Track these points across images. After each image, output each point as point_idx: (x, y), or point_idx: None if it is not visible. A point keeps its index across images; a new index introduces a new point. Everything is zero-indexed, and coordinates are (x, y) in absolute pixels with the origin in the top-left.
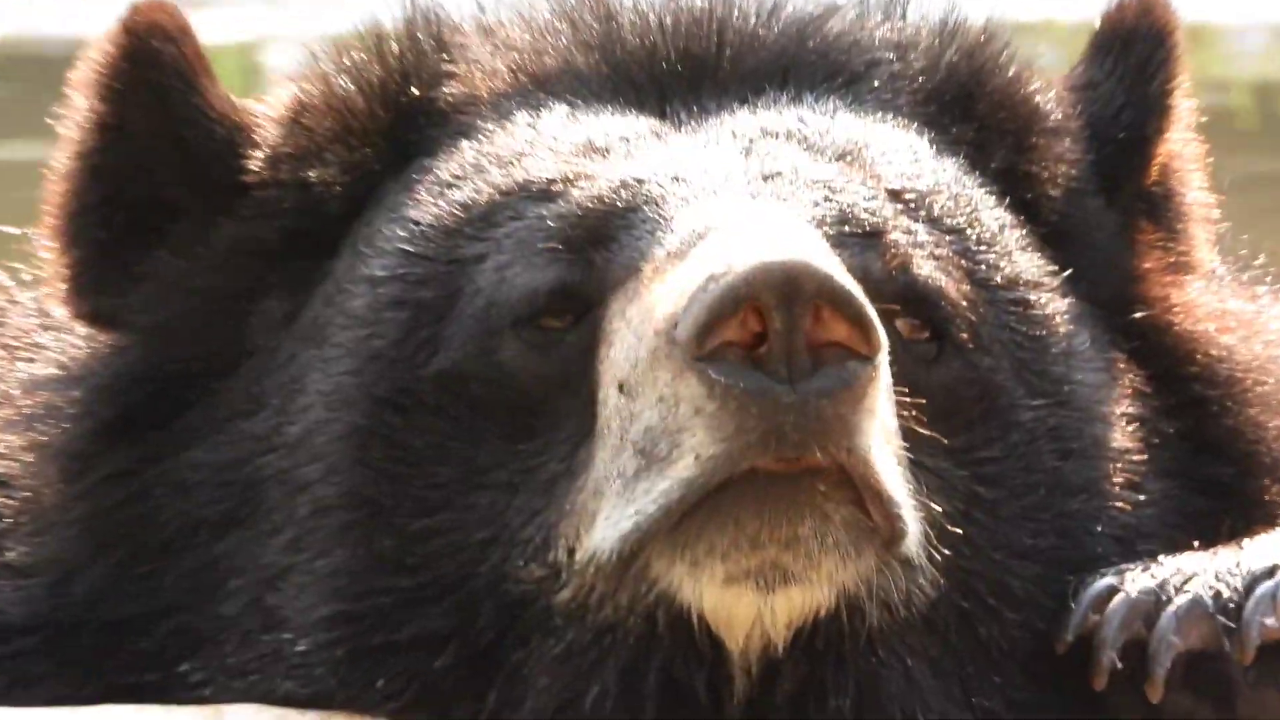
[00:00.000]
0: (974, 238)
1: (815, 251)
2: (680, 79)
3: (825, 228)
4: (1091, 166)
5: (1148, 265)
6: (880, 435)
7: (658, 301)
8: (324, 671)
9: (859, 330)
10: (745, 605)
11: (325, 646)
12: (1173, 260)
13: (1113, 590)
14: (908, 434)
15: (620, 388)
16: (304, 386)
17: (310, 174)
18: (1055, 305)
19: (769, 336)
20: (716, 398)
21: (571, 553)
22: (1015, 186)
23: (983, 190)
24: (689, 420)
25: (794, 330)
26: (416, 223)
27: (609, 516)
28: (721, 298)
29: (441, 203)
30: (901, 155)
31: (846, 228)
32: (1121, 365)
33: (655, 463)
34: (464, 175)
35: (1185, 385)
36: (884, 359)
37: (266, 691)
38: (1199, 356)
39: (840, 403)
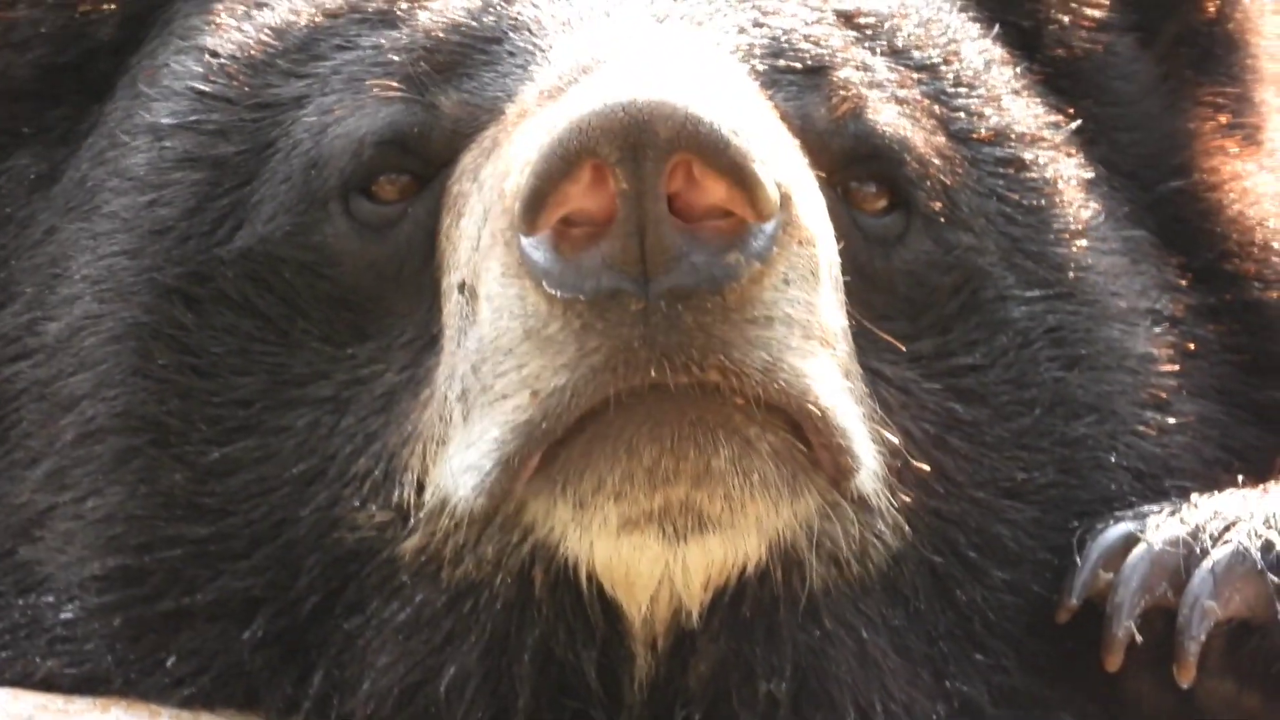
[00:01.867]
0: (951, 76)
1: (693, 86)
2: None
3: (752, 61)
4: None
5: (1192, 126)
6: (811, 338)
7: (516, 158)
8: (96, 646)
9: (741, 188)
10: (648, 559)
11: (97, 614)
12: (1226, 124)
13: (1131, 540)
14: (860, 336)
15: (461, 278)
16: (66, 271)
17: None
18: (1060, 167)
19: (615, 200)
20: (556, 316)
21: (420, 489)
22: (1009, 10)
23: (964, 15)
24: (517, 343)
25: (645, 190)
26: (214, 53)
27: (455, 454)
28: (550, 154)
29: (248, 26)
30: None
31: (780, 61)
32: (1148, 249)
33: (484, 394)
34: None
35: (1234, 282)
36: (818, 234)
37: (22, 673)
38: (1253, 247)
39: (706, 310)
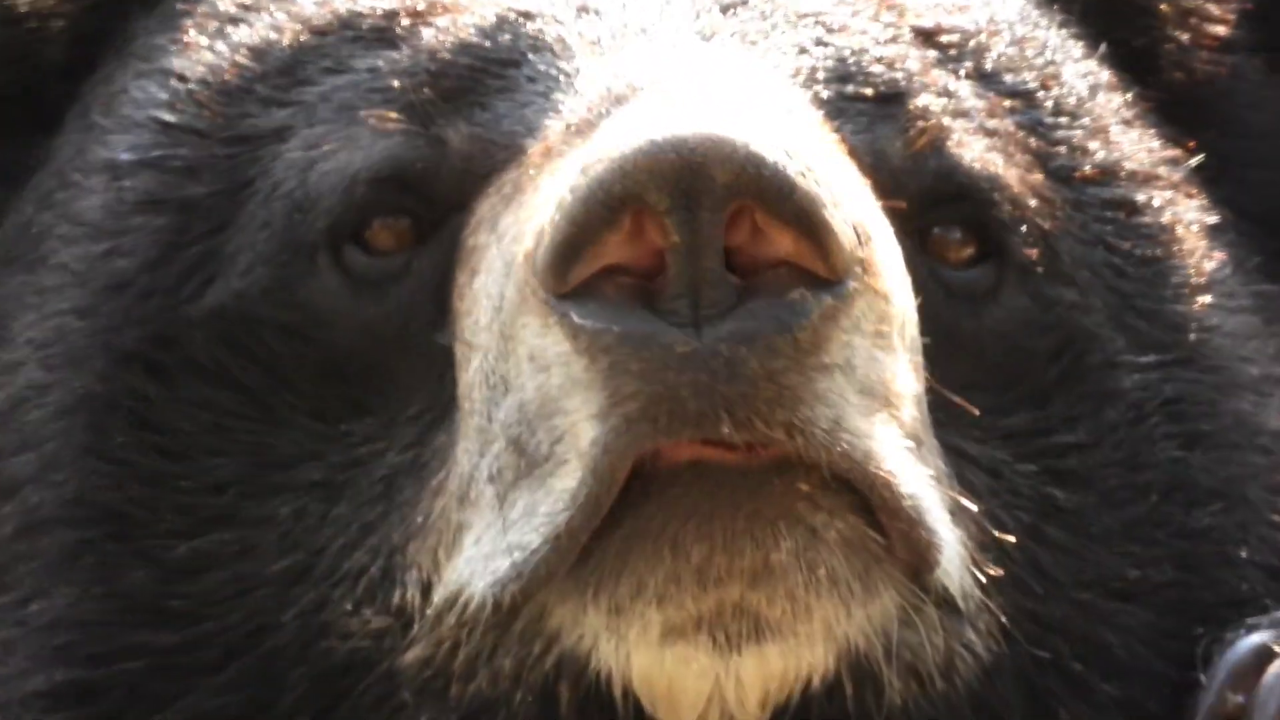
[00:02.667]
0: (1050, 104)
1: (752, 121)
2: None
3: (815, 87)
4: (1246, 13)
5: None
6: (877, 399)
7: (541, 206)
8: None
9: (810, 240)
10: (696, 672)
11: None
12: None
13: (1266, 654)
14: (941, 408)
15: (486, 341)
16: (7, 332)
17: None
18: (1178, 210)
19: (666, 258)
20: (583, 354)
21: (427, 591)
22: (1118, 27)
23: (1065, 32)
24: (564, 395)
25: (701, 244)
26: (181, 78)
27: (480, 541)
28: (586, 202)
29: (221, 47)
30: None
31: (848, 86)
32: None
33: (535, 465)
34: (256, 2)
35: None
36: (892, 284)
37: None
38: None
39: (772, 354)
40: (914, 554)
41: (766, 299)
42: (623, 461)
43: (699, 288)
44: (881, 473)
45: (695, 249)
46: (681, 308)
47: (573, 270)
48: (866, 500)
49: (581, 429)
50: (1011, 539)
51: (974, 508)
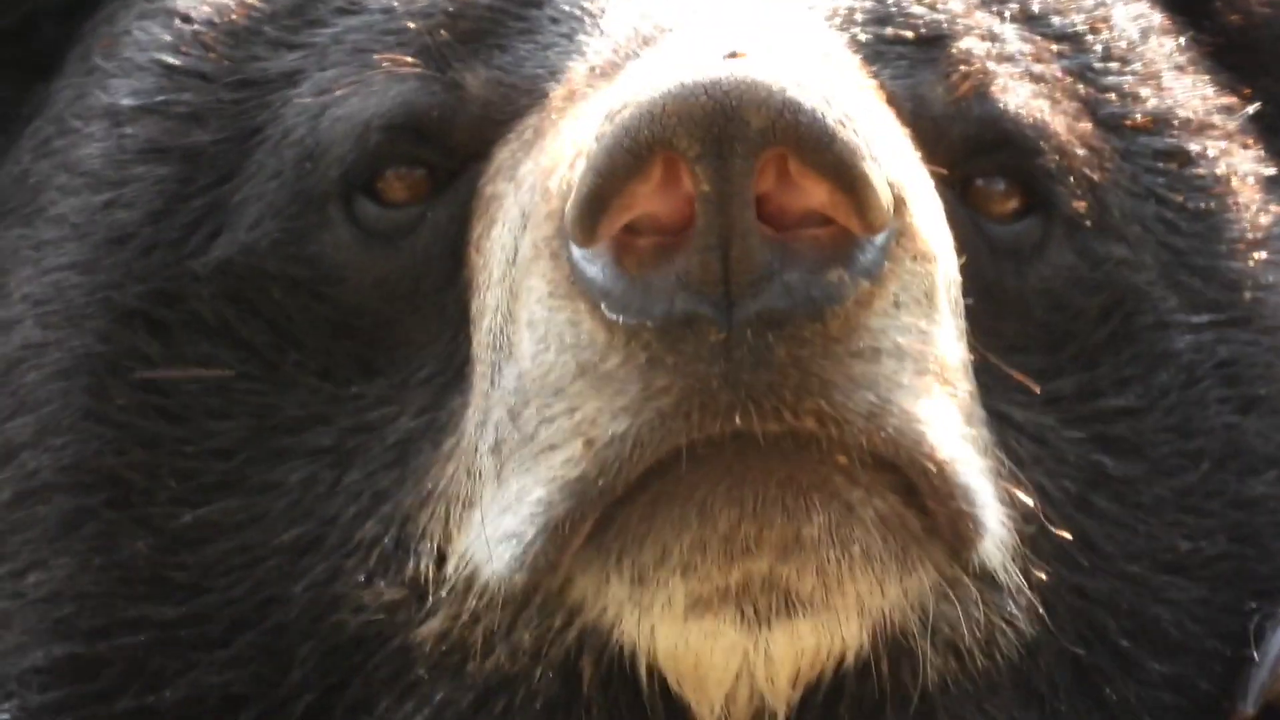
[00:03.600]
0: (1099, 48)
1: (790, 64)
2: None
3: (852, 29)
4: None
5: None
6: (925, 374)
7: (562, 152)
8: None
9: (848, 193)
10: (723, 647)
11: (41, 715)
12: None
13: None
14: (985, 372)
15: (496, 299)
16: (4, 290)
17: None
18: (1234, 161)
19: (695, 207)
20: (617, 347)
21: (441, 561)
22: None
23: None
24: (568, 379)
25: (733, 193)
26: (186, 18)
27: (486, 517)
28: (614, 146)
29: None
30: None
31: (887, 29)
32: None
33: (524, 442)
34: None
35: None
36: (938, 245)
37: None
38: None
39: (799, 343)
40: (956, 535)
41: (801, 272)
42: (651, 456)
43: (730, 240)
44: (931, 459)
45: (726, 198)
46: (711, 262)
47: (601, 224)
48: (908, 478)
49: (597, 419)
50: (1066, 535)
51: (1029, 502)
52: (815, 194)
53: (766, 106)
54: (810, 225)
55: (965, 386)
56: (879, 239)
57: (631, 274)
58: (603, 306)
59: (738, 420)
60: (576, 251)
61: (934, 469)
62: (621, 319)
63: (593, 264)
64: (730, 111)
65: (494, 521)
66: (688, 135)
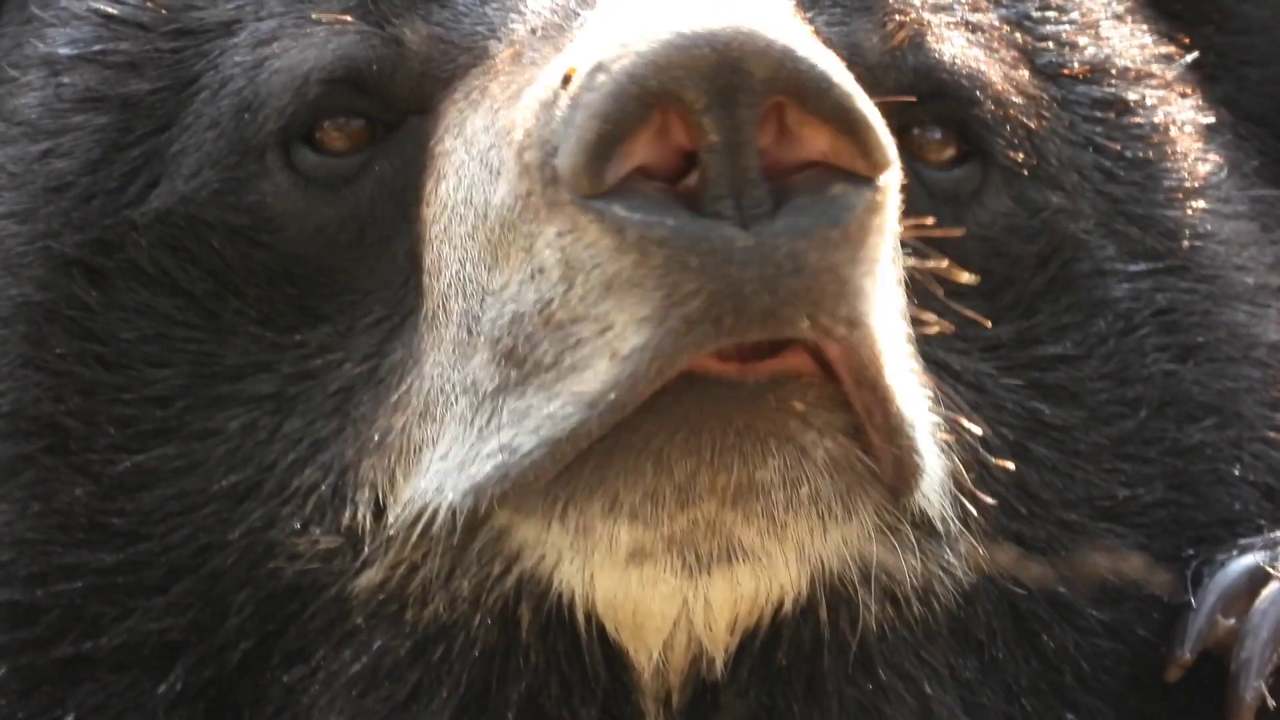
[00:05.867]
0: None
1: (769, 14)
2: None
3: None
4: None
5: None
6: (888, 305)
7: (522, 111)
8: None
9: (850, 136)
10: (663, 595)
11: None
12: None
13: (1259, 576)
14: (924, 318)
15: (464, 250)
16: None
17: None
18: (1172, 110)
19: (701, 156)
20: (631, 250)
21: (380, 510)
22: None
23: None
24: (595, 301)
25: (741, 143)
26: None
27: (447, 454)
28: (618, 97)
29: None
30: None
31: None
32: None
33: (537, 373)
34: None
35: None
36: (892, 184)
37: None
38: None
39: (831, 246)
40: (898, 476)
41: (808, 196)
42: (673, 367)
43: (741, 187)
44: (892, 388)
45: (735, 147)
46: (726, 208)
47: (608, 170)
48: (857, 419)
49: (625, 333)
50: (1007, 464)
51: (977, 430)
52: (815, 142)
53: (768, 56)
54: (805, 174)
55: (906, 331)
56: (881, 179)
57: (649, 194)
58: (614, 209)
59: (799, 325)
60: (579, 198)
61: (889, 400)
62: (638, 216)
63: (596, 202)
64: (734, 63)
65: (465, 450)
66: (695, 87)
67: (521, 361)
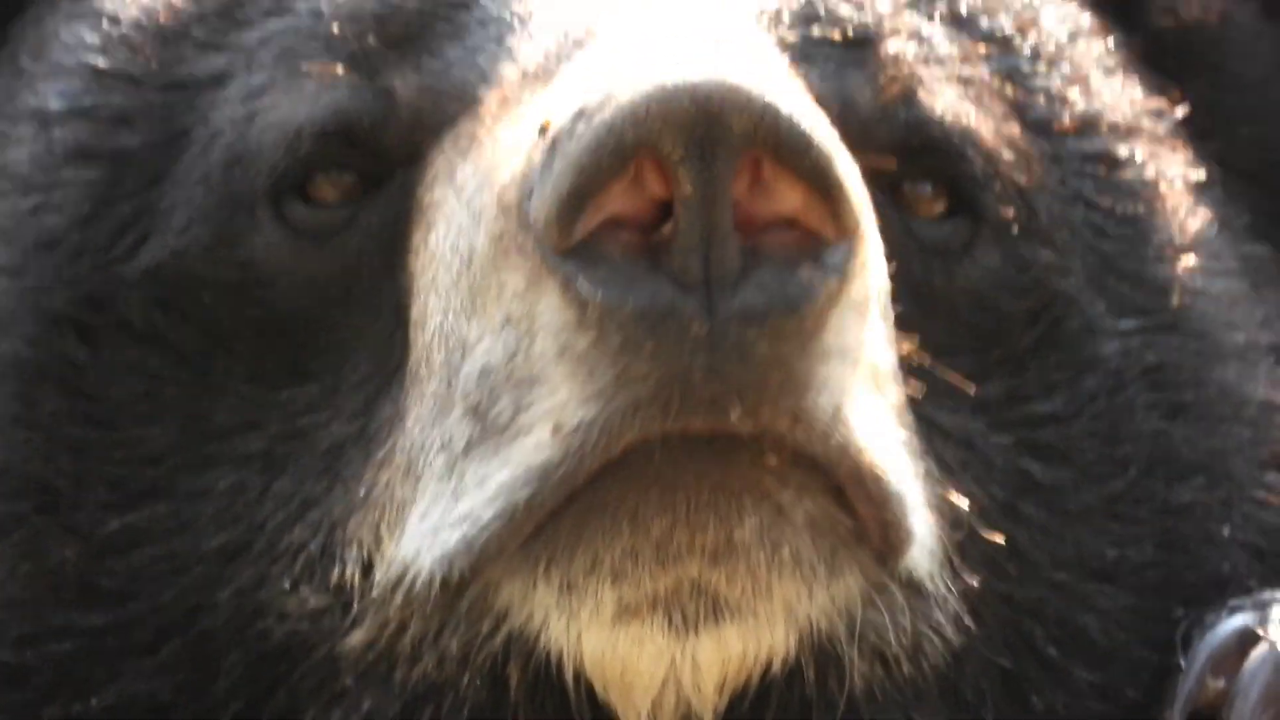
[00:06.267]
0: (1027, 50)
1: (756, 68)
2: None
3: (779, 29)
4: None
5: None
6: (865, 380)
7: (505, 156)
8: None
9: (823, 197)
10: (650, 654)
11: None
12: None
13: (1249, 637)
14: (914, 376)
15: (447, 300)
16: None
17: None
18: (1163, 165)
19: (675, 209)
20: (589, 325)
21: (368, 569)
22: None
23: None
24: (546, 365)
25: (715, 196)
26: (114, 20)
27: (426, 515)
28: (595, 150)
29: None
30: None
31: (814, 29)
32: (1273, 270)
33: (495, 433)
34: None
35: None
36: (869, 249)
37: None
38: None
39: (781, 337)
40: (886, 542)
41: (773, 272)
42: (618, 443)
43: (711, 242)
44: (870, 466)
45: (709, 200)
46: (692, 264)
47: (578, 222)
48: (836, 480)
49: (568, 404)
50: (997, 537)
51: (964, 505)
52: (788, 199)
53: (748, 111)
54: (776, 230)
55: (895, 391)
56: (845, 244)
57: (614, 260)
58: (577, 284)
59: (732, 416)
60: (552, 257)
61: (870, 476)
62: (600, 296)
63: (564, 256)
64: (713, 116)
65: (436, 514)
66: (672, 138)
67: (484, 418)
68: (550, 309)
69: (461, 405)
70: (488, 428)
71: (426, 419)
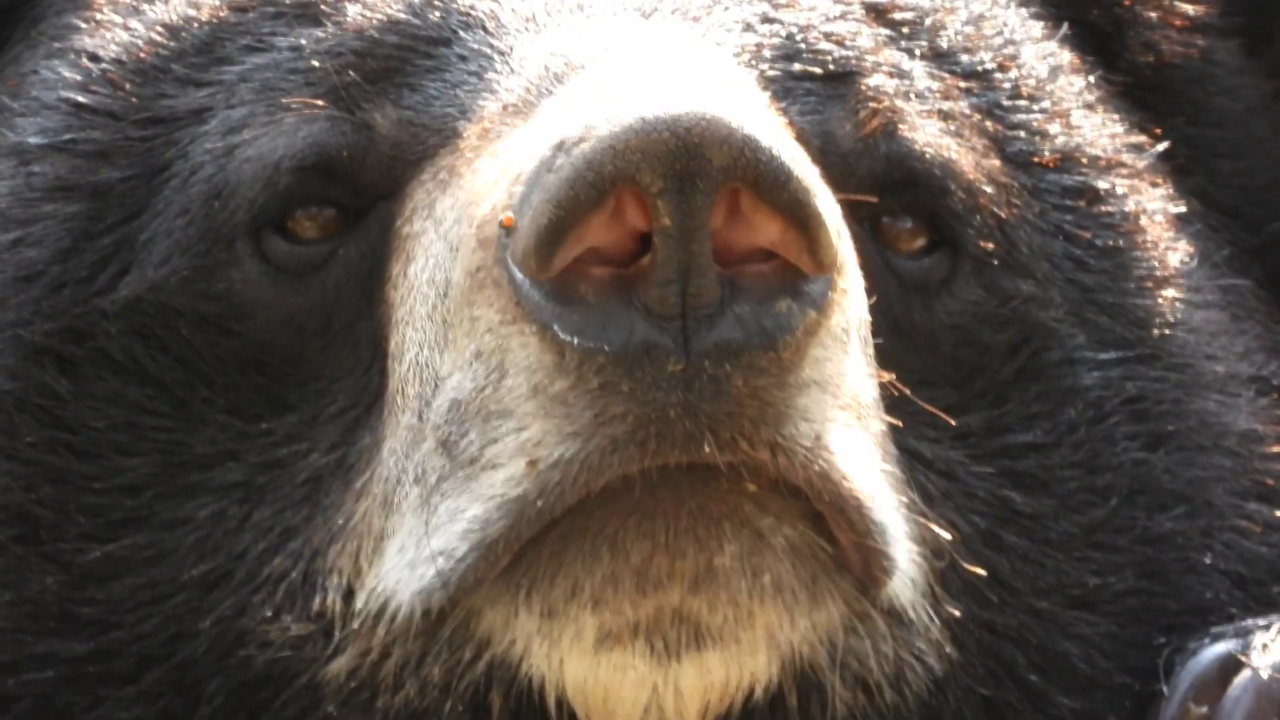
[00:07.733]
0: (1008, 86)
1: (735, 102)
2: None
3: (760, 65)
4: None
5: None
6: (845, 410)
7: (485, 188)
8: None
9: (801, 231)
10: (633, 681)
11: None
12: None
13: (1231, 664)
14: (895, 407)
15: (423, 332)
16: None
17: None
18: (1143, 199)
19: (654, 241)
20: (568, 370)
21: (349, 597)
22: (1081, 6)
23: (1026, 11)
24: (517, 400)
25: (694, 228)
26: (94, 57)
27: (403, 547)
28: (575, 184)
29: (135, 24)
30: None
31: (795, 65)
32: (1253, 302)
33: (464, 466)
34: None
35: None
36: (849, 282)
37: None
38: None
39: (756, 372)
40: (867, 571)
41: (750, 306)
42: (597, 480)
43: (689, 274)
44: (851, 496)
45: (688, 233)
46: (670, 296)
47: (556, 255)
48: (818, 507)
49: (543, 440)
50: (979, 571)
51: (946, 535)
52: (766, 231)
53: (728, 144)
54: (754, 261)
55: (877, 422)
56: (823, 277)
57: (589, 302)
58: (555, 328)
59: (706, 450)
60: (522, 278)
61: (851, 504)
62: (577, 341)
63: (540, 291)
64: (693, 149)
65: (415, 547)
66: (651, 171)
67: (454, 451)
68: (525, 349)
69: (433, 438)
70: (456, 460)
71: (401, 451)
